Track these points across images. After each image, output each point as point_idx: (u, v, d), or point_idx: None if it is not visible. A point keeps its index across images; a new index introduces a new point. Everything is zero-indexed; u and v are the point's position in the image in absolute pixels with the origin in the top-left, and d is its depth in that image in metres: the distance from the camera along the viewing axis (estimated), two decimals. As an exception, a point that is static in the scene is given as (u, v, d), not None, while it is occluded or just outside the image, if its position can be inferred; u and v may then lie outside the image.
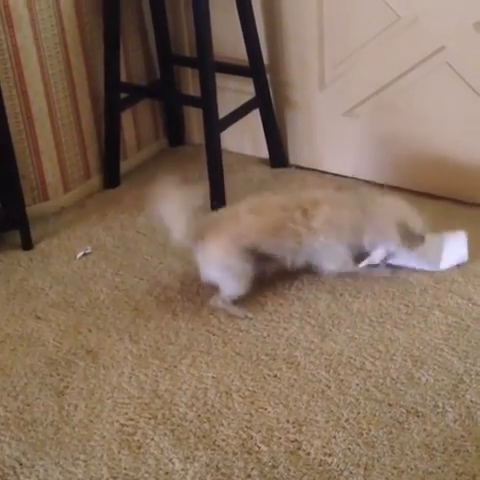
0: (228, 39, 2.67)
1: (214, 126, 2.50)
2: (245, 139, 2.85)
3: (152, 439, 1.73)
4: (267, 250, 2.08)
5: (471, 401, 1.76)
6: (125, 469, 1.67)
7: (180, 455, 1.68)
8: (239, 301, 2.09)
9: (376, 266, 2.17)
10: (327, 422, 1.74)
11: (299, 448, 1.68)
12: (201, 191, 2.22)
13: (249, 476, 1.63)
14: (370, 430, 1.71)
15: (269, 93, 2.69)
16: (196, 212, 2.04)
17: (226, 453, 1.68)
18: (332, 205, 2.10)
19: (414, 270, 2.18)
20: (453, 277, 2.16)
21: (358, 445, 1.67)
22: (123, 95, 2.71)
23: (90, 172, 2.73)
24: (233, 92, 2.74)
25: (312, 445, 1.68)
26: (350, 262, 2.13)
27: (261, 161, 2.84)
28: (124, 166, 2.81)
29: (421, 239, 2.11)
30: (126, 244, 2.42)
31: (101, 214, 2.61)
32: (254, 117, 2.70)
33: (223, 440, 1.71)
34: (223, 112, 2.54)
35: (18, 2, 2.34)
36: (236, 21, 2.56)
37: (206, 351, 1.97)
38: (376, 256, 2.15)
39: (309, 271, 2.16)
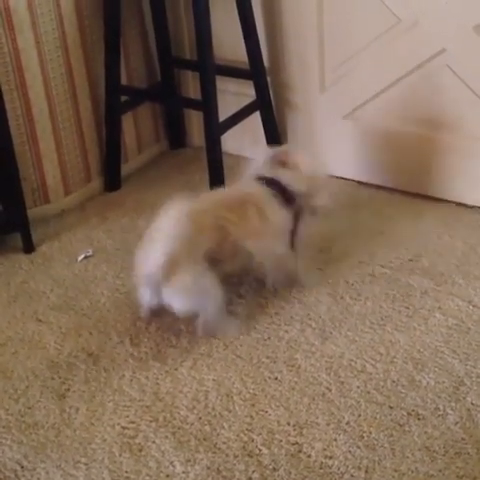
0: (228, 42, 2.68)
1: (214, 129, 2.50)
2: (245, 142, 2.86)
3: (153, 442, 1.73)
4: (219, 255, 1.97)
5: (472, 403, 1.76)
6: (126, 472, 1.67)
7: (181, 458, 1.69)
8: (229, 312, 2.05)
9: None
10: (328, 425, 1.74)
11: (300, 451, 1.68)
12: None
13: (250, 479, 1.63)
14: (371, 433, 1.71)
15: (269, 95, 2.70)
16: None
17: (227, 456, 1.68)
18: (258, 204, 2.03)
19: (413, 272, 2.19)
20: (454, 279, 2.16)
21: (359, 448, 1.68)
22: (124, 98, 2.71)
23: (91, 175, 2.73)
24: (233, 95, 2.74)
25: (313, 448, 1.68)
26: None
27: (262, 163, 2.84)
28: (125, 169, 2.81)
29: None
30: (127, 247, 2.42)
31: (102, 217, 2.62)
32: (254, 120, 2.71)
33: (224, 443, 1.72)
34: (223, 115, 2.55)
35: (19, 5, 2.35)
36: (236, 23, 2.56)
37: (207, 354, 1.97)
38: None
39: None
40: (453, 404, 1.76)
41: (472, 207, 2.47)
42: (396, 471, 1.62)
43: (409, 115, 2.50)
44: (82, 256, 2.40)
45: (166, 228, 1.90)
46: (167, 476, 1.65)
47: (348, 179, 2.69)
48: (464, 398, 1.78)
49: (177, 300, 1.93)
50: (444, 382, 1.82)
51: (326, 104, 2.66)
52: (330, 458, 1.66)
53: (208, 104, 2.47)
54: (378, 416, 1.75)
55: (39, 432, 1.78)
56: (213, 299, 1.95)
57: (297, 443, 1.70)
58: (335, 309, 2.09)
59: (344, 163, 2.68)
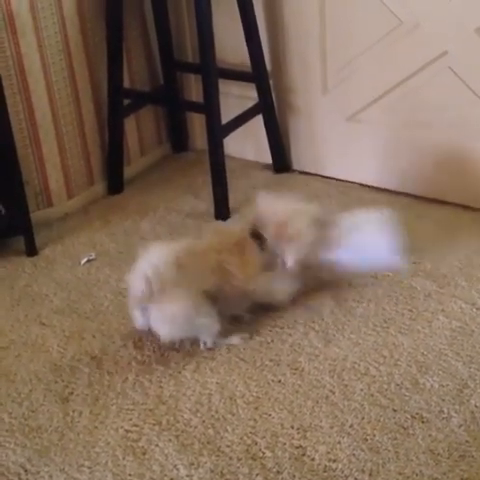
0: (231, 45, 2.68)
1: (217, 132, 2.50)
2: (248, 145, 2.86)
3: (157, 445, 1.73)
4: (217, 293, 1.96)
5: (476, 406, 1.76)
6: (130, 475, 1.67)
7: (185, 461, 1.68)
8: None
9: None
10: (331, 428, 1.74)
11: (304, 454, 1.68)
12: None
13: (254, 482, 1.63)
14: (375, 436, 1.71)
15: (272, 98, 2.70)
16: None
17: (231, 459, 1.68)
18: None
19: (416, 275, 2.19)
20: (457, 282, 2.16)
21: (363, 451, 1.67)
22: (126, 101, 2.72)
23: (94, 178, 2.73)
24: (236, 98, 2.74)
25: (317, 451, 1.68)
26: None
27: (264, 166, 2.84)
28: (127, 172, 2.81)
29: (331, 223, 2.02)
30: (130, 250, 2.42)
31: (105, 220, 2.62)
32: (257, 122, 2.71)
33: (228, 446, 1.71)
34: (226, 118, 2.55)
35: (21, 9, 2.35)
36: (238, 26, 2.57)
37: (210, 357, 1.97)
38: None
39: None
40: (457, 407, 1.76)
41: (474, 209, 2.46)
42: (400, 474, 1.61)
43: (411, 117, 2.50)
44: (85, 259, 2.40)
45: (154, 257, 1.91)
46: (171, 479, 1.65)
47: (350, 182, 2.69)
48: (468, 401, 1.77)
49: (160, 327, 1.94)
50: (448, 385, 1.82)
51: (328, 107, 2.66)
52: (334, 461, 1.65)
53: (210, 107, 2.48)
54: (382, 419, 1.75)
55: (42, 435, 1.78)
56: (206, 330, 1.96)
57: (301, 446, 1.70)
58: (338, 312, 2.09)
59: (346, 166, 2.68)
